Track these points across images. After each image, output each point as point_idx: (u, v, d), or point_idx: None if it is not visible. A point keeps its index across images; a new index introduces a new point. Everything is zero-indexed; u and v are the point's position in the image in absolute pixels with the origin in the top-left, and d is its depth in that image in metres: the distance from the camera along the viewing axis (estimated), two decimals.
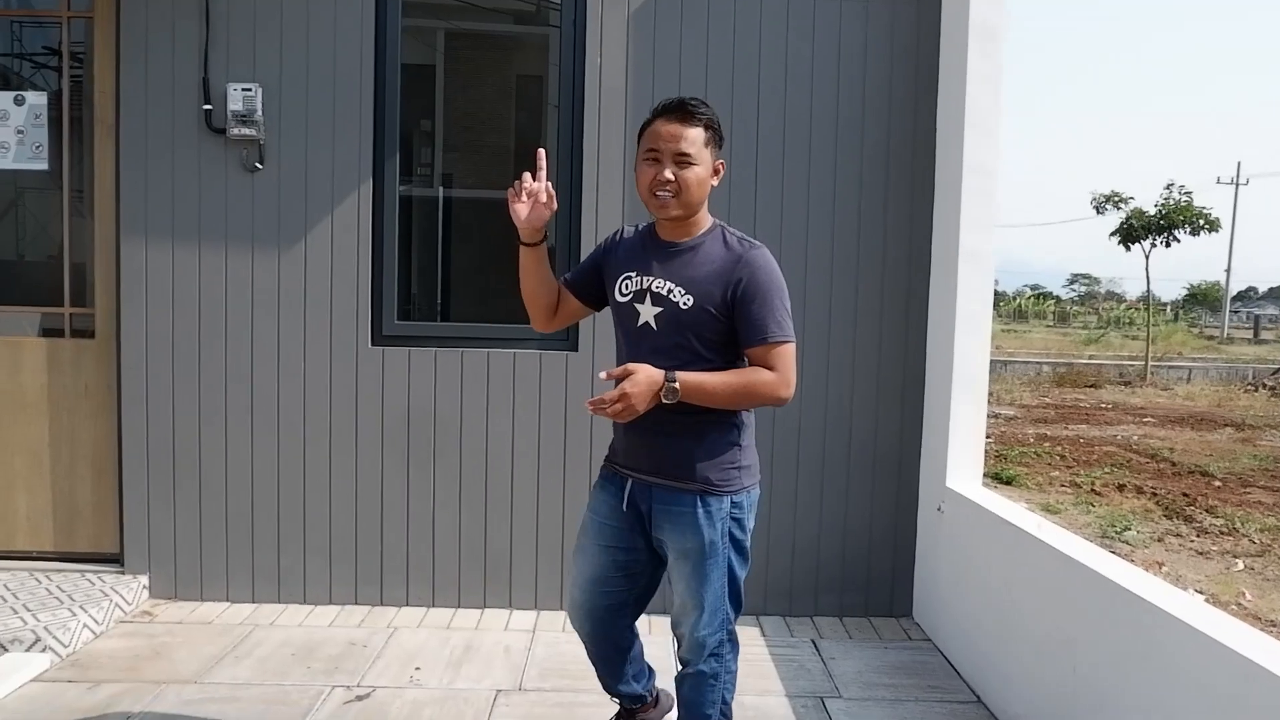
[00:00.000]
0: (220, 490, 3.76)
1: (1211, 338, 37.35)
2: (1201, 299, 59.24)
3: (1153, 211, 19.01)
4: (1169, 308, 52.64)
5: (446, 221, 4.64)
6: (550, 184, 2.24)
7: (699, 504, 2.19)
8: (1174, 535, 6.40)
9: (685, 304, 2.16)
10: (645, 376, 2.05)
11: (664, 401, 2.07)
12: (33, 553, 3.86)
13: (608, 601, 2.38)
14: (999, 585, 3.14)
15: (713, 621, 2.25)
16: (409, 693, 3.07)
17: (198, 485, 3.76)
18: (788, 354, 2.14)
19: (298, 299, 3.73)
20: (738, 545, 2.25)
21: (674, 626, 2.35)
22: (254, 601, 3.79)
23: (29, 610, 3.37)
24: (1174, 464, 9.11)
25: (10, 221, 4.17)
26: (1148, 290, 21.76)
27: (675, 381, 2.07)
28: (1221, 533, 6.52)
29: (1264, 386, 17.55)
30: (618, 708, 2.62)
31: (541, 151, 2.28)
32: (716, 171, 2.22)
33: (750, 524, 2.29)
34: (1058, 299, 69.13)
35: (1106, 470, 8.60)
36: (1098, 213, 20.01)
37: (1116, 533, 6.31)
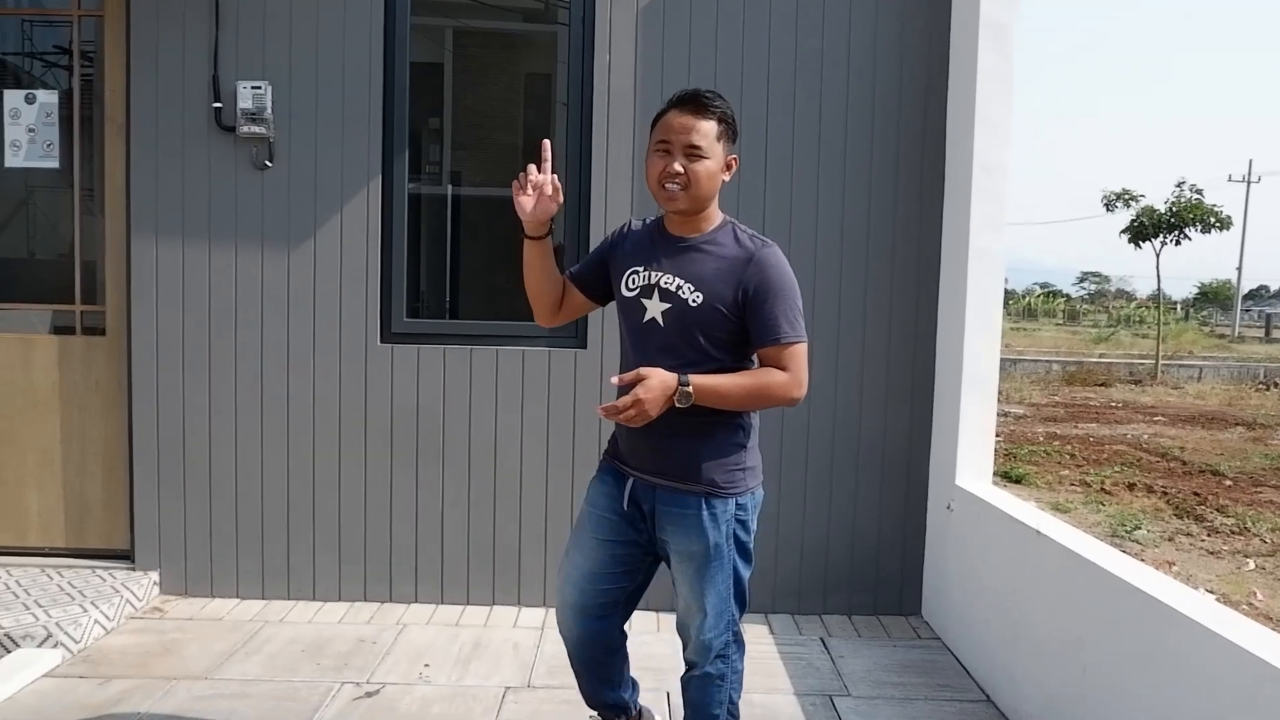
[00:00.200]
0: (230, 487, 3.78)
1: (1223, 336, 37.11)
2: (1212, 297, 58.98)
3: (1163, 209, 18.89)
4: (1180, 306, 52.43)
5: (455, 219, 4.65)
6: (556, 176, 2.19)
7: (704, 506, 2.16)
8: (1184, 534, 6.37)
9: (695, 301, 2.12)
10: (659, 381, 2.00)
11: (677, 405, 2.03)
12: (44, 549, 3.88)
13: (602, 599, 2.32)
14: (1008, 584, 3.13)
15: (718, 624, 2.23)
16: (418, 689, 3.08)
17: (208, 482, 3.78)
18: (800, 354, 2.11)
19: (307, 296, 3.74)
20: (742, 547, 2.22)
21: (679, 629, 2.33)
22: (264, 598, 3.80)
23: (40, 606, 3.38)
24: (1184, 463, 9.06)
25: (21, 219, 4.19)
26: (1158, 288, 21.67)
27: (689, 385, 2.02)
28: (1232, 532, 6.48)
29: (1275, 385, 17.46)
30: None
31: (546, 143, 2.22)
32: (729, 166, 2.16)
33: (754, 525, 2.25)
34: (1067, 297, 68.85)
35: (1116, 469, 8.55)
36: (1108, 210, 19.88)
37: (1126, 532, 6.28)
